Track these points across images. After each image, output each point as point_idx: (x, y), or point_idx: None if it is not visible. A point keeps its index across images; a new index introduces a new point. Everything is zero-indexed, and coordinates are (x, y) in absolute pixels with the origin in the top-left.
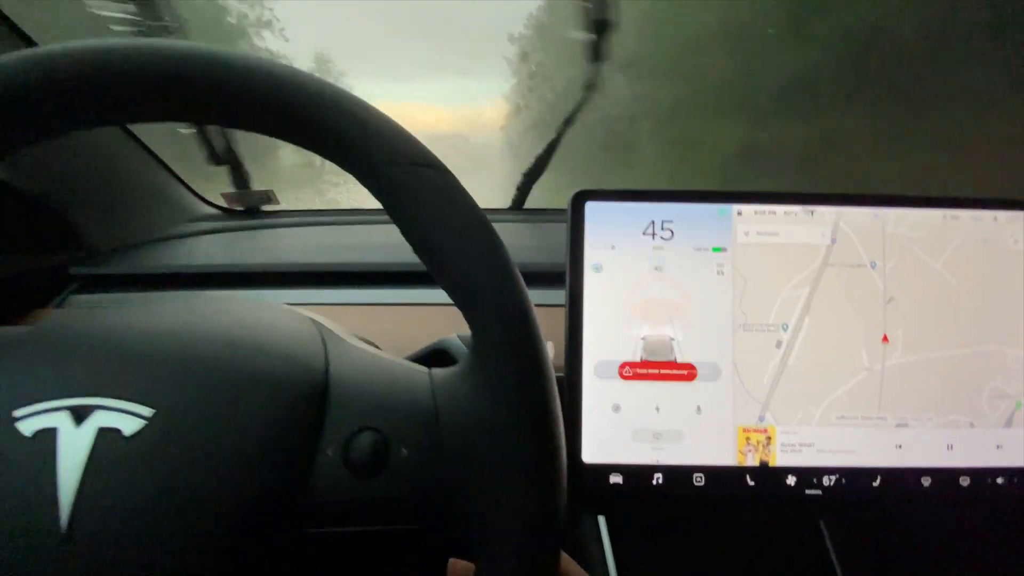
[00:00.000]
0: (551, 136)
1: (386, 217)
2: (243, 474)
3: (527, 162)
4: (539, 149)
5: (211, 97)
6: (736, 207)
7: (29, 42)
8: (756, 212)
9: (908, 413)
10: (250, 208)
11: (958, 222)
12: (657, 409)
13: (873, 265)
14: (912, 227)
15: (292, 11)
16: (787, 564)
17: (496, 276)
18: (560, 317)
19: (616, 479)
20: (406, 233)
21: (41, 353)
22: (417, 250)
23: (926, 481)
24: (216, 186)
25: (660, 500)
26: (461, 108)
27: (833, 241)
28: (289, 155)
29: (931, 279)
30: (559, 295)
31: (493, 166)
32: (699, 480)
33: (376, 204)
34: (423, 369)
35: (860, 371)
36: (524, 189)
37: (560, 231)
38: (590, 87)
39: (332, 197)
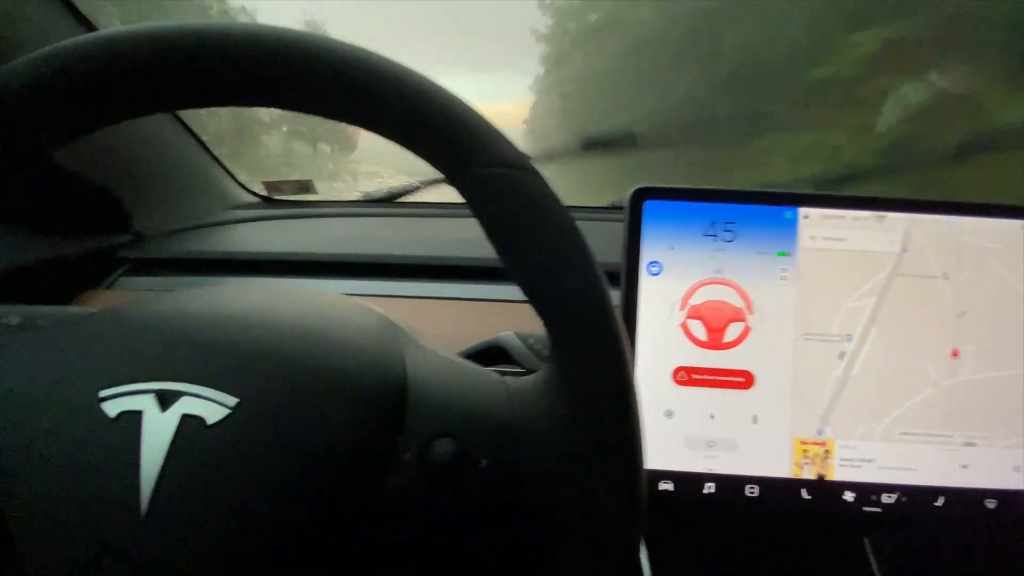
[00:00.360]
0: (573, 130)
1: (424, 210)
2: (322, 471)
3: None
4: (560, 143)
5: (307, 86)
6: (803, 210)
7: (90, 26)
8: (824, 216)
9: (975, 432)
10: (288, 197)
11: None
12: (712, 416)
13: (945, 276)
14: (989, 238)
15: (326, 9)
16: None
17: (587, 293)
18: None
19: (666, 486)
20: (491, 236)
21: (125, 335)
22: (501, 254)
23: (991, 503)
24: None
25: (711, 510)
26: (485, 104)
27: (904, 250)
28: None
29: (1007, 293)
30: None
31: None
32: (752, 491)
33: (414, 197)
34: (497, 376)
35: (927, 387)
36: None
37: (599, 229)
38: None
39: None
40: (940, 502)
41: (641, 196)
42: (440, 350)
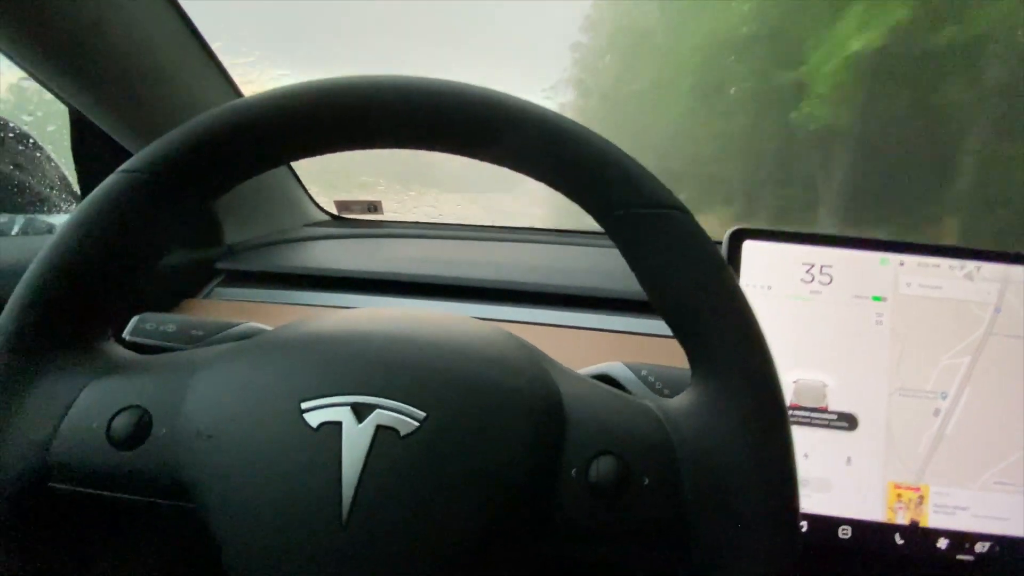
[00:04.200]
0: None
1: (489, 234)
2: (502, 483)
3: None
4: None
5: (475, 134)
6: (899, 257)
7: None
8: (919, 264)
9: None
10: (357, 216)
11: None
12: (806, 455)
13: None
14: None
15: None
16: None
17: (741, 325)
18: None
19: None
20: (642, 272)
21: (319, 351)
22: (649, 286)
23: None
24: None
25: (804, 549)
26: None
27: (998, 311)
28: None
29: None
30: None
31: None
32: (845, 533)
33: (480, 221)
34: (641, 399)
35: (1020, 448)
36: None
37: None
38: None
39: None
40: None
41: (740, 237)
42: (578, 373)
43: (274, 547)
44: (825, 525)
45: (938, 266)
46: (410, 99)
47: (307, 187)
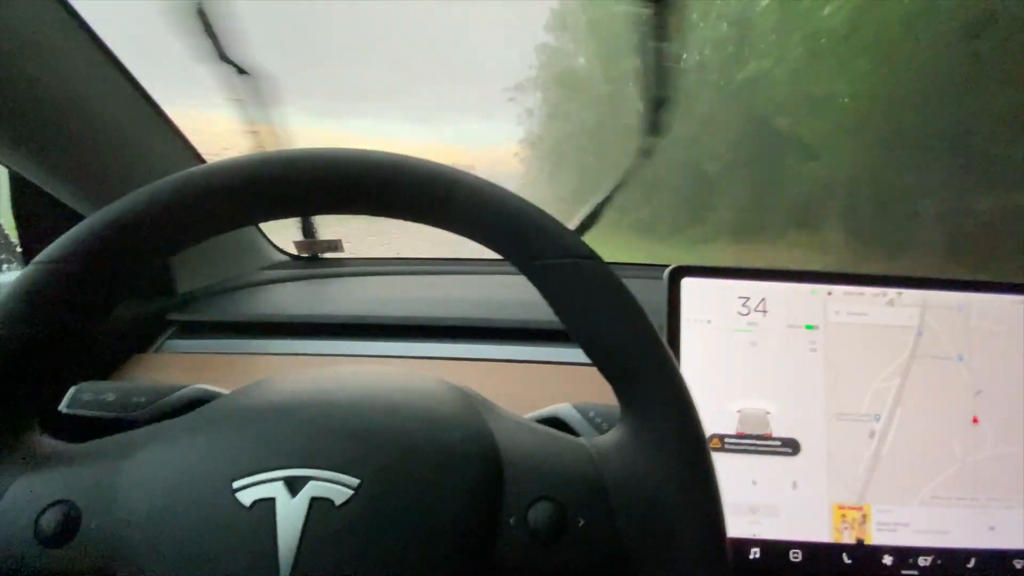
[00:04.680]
0: (572, 176)
1: (447, 267)
2: (440, 542)
3: (550, 202)
4: (559, 189)
5: (393, 198)
6: (827, 287)
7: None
8: (846, 293)
9: (1001, 498)
10: (317, 255)
11: None
12: (754, 482)
13: (960, 358)
14: (995, 320)
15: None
16: None
17: (656, 362)
18: None
19: None
20: (564, 318)
21: (251, 424)
22: (573, 331)
23: (1019, 564)
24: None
25: (758, 575)
26: (484, 149)
27: (920, 333)
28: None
29: (1017, 372)
30: None
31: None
32: (796, 556)
33: (439, 254)
34: (576, 439)
35: (953, 463)
36: None
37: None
38: (645, 154)
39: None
40: (972, 563)
41: (679, 274)
42: (513, 416)
43: None
44: (777, 550)
45: (862, 294)
46: (347, 174)
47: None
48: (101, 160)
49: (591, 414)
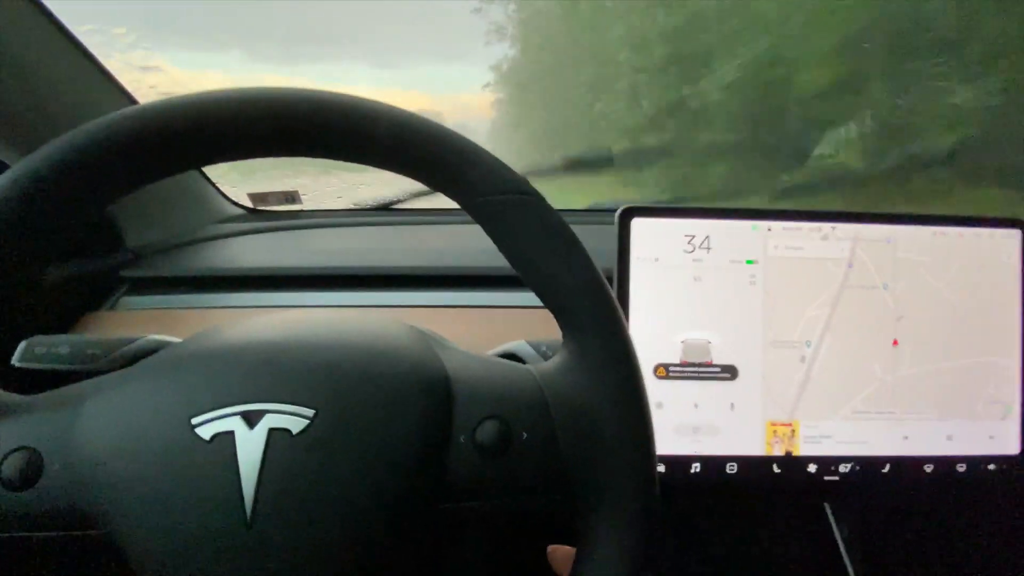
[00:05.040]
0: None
1: (407, 217)
2: (393, 463)
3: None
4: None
5: (342, 139)
6: (767, 223)
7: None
8: (784, 228)
9: (915, 410)
10: (274, 208)
11: (961, 240)
12: (696, 406)
13: (885, 287)
14: (920, 251)
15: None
16: (796, 542)
17: (592, 291)
18: None
19: (659, 468)
20: (506, 252)
21: (206, 366)
22: (516, 265)
23: (928, 468)
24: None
25: (697, 487)
26: (447, 95)
27: (850, 266)
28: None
29: (936, 298)
30: None
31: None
32: (732, 468)
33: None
34: (522, 366)
35: (874, 381)
36: None
37: (585, 233)
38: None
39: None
40: (887, 469)
41: (629, 214)
42: (465, 350)
43: (186, 556)
44: (715, 463)
45: (799, 229)
46: (281, 111)
47: (220, 181)
48: (24, 104)
49: (543, 348)
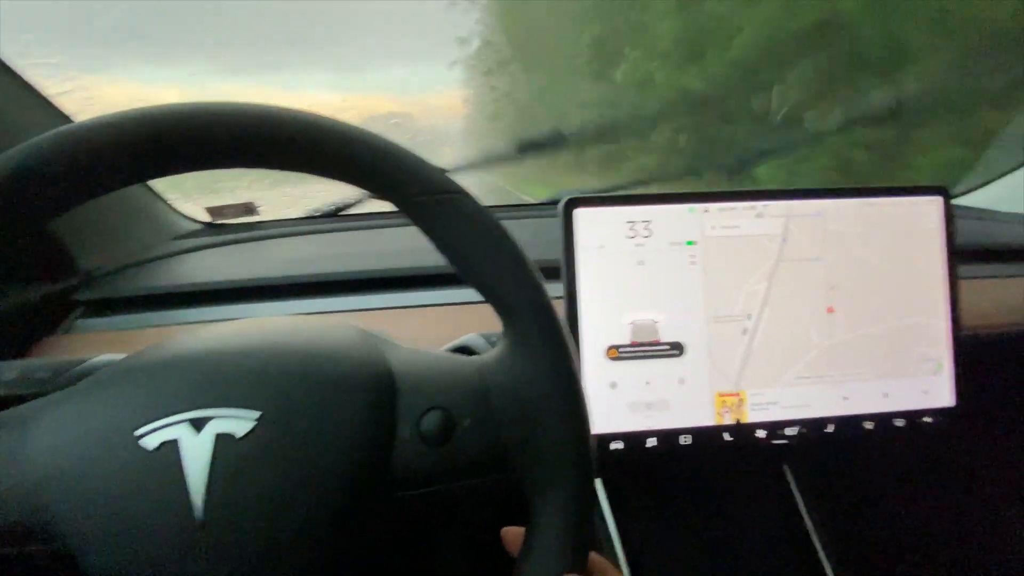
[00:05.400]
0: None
1: (366, 222)
2: (339, 458)
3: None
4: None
5: (277, 149)
6: (703, 205)
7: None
8: (720, 209)
9: (851, 372)
10: (232, 220)
11: (887, 210)
12: (647, 383)
13: (818, 259)
14: (849, 223)
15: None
16: (759, 505)
17: (525, 283)
18: (557, 307)
19: (617, 445)
20: (442, 250)
21: (149, 377)
22: (452, 262)
23: (868, 425)
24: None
25: (653, 459)
26: (415, 97)
27: (784, 240)
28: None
29: (866, 267)
30: (553, 288)
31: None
32: (685, 440)
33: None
34: (466, 357)
35: (812, 348)
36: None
37: (526, 224)
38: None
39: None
40: (831, 428)
41: (572, 204)
42: (412, 347)
43: (139, 565)
44: (669, 437)
45: (734, 208)
46: (212, 124)
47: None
48: None
49: (493, 339)
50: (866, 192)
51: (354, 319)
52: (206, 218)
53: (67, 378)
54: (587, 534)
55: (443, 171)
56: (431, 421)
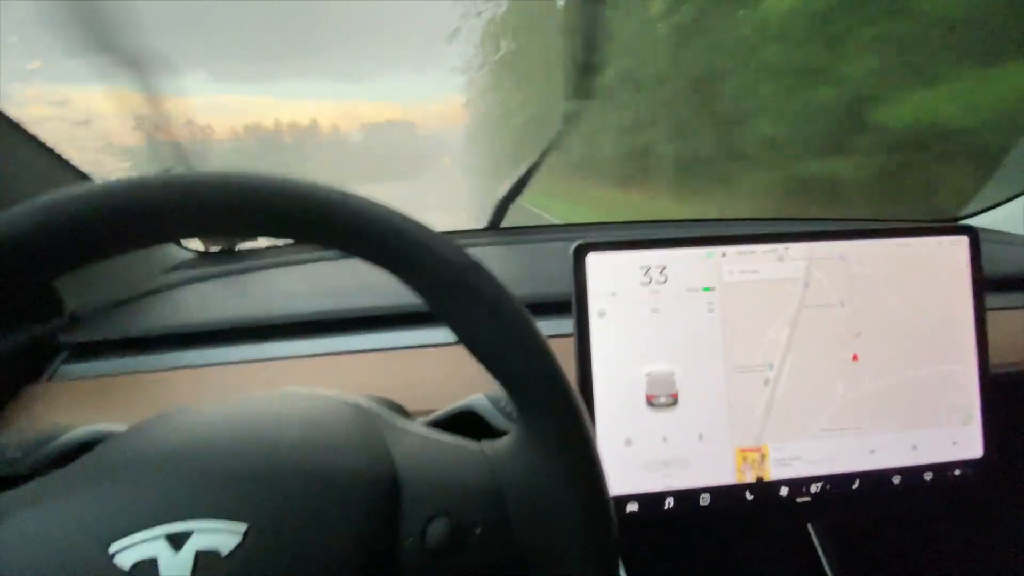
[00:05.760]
0: (508, 132)
1: None
2: (336, 574)
3: (488, 156)
4: (497, 142)
5: (283, 224)
6: (720, 249)
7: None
8: (738, 253)
9: (878, 424)
10: (228, 248)
11: (912, 251)
12: (664, 439)
13: (842, 304)
14: (873, 265)
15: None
16: (782, 565)
17: (546, 371)
18: (565, 347)
19: (632, 507)
20: (453, 328)
21: (125, 478)
22: (465, 342)
23: (896, 479)
24: None
25: (672, 522)
26: (418, 105)
27: (806, 285)
28: None
29: (891, 312)
30: (560, 325)
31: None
32: (705, 500)
33: None
34: (475, 446)
35: (836, 399)
36: (501, 210)
37: (538, 250)
38: (572, 119)
39: None
40: (857, 484)
41: (583, 250)
42: (417, 426)
43: None
44: (687, 497)
45: (753, 252)
46: (235, 198)
47: None
48: None
49: (502, 403)
50: (889, 233)
51: (356, 361)
52: (199, 247)
53: (39, 458)
54: None
55: (456, 246)
56: (438, 530)
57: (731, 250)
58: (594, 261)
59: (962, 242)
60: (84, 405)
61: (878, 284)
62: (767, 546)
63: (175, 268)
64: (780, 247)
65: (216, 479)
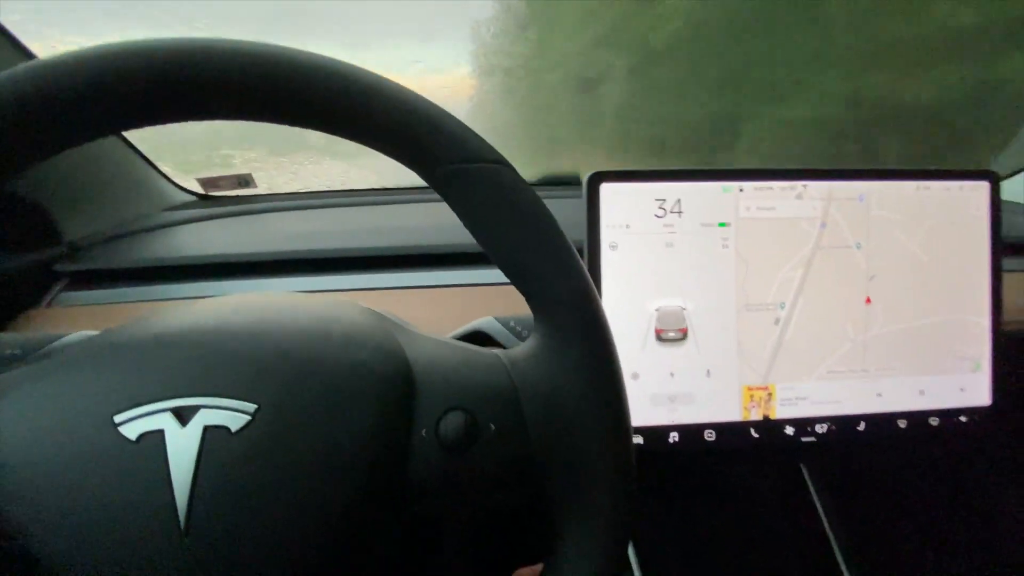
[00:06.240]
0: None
1: (361, 198)
2: (346, 461)
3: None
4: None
5: (290, 99)
6: (738, 184)
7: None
8: (756, 188)
9: (886, 367)
10: (227, 193)
11: (932, 195)
12: (671, 375)
13: (858, 246)
14: (892, 208)
15: None
16: (777, 504)
17: (567, 271)
18: None
19: (637, 440)
20: (472, 226)
21: (132, 356)
22: (480, 241)
23: (902, 423)
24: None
25: (675, 456)
26: (425, 76)
27: (823, 225)
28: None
29: (907, 257)
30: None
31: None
32: (710, 436)
33: (354, 185)
34: (490, 352)
35: (846, 342)
36: None
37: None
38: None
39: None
40: (862, 426)
41: (597, 180)
42: (428, 336)
43: (112, 570)
44: (692, 432)
45: (771, 188)
46: (232, 66)
47: (162, 167)
48: None
49: (511, 323)
50: (910, 175)
51: (357, 299)
52: (199, 190)
53: (39, 356)
54: (620, 562)
55: (481, 138)
56: (452, 424)
57: (748, 185)
58: (608, 191)
59: (983, 187)
60: (81, 330)
61: (896, 228)
62: (763, 485)
63: (173, 208)
64: (799, 184)
65: (227, 358)
